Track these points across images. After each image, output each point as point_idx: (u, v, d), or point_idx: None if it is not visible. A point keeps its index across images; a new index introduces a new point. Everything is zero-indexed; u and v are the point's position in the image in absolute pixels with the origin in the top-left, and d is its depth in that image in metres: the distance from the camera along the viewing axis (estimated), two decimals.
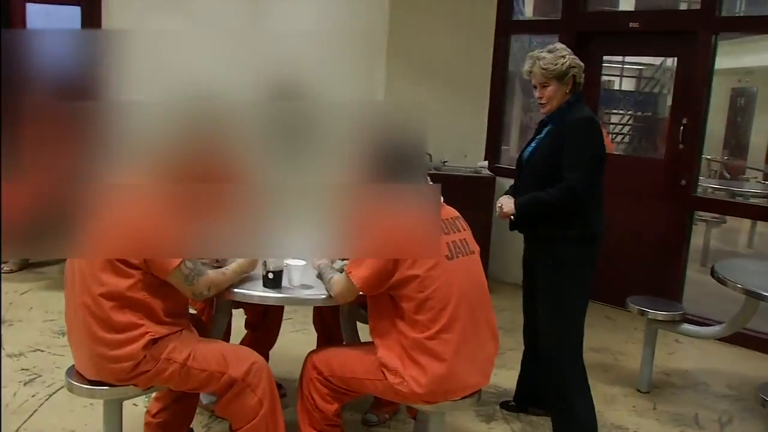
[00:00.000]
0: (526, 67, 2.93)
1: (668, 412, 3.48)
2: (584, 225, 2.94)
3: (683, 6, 6.80)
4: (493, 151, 5.81)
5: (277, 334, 3.29)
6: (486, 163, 5.63)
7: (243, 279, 2.43)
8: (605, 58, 5.46)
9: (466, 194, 3.90)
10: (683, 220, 4.85)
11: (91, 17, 5.45)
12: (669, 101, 5.20)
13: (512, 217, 2.92)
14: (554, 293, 2.94)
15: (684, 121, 4.80)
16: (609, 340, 4.51)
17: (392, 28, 5.50)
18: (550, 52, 2.91)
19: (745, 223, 7.33)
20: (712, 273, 3.32)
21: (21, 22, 5.45)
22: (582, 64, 2.94)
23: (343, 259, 2.48)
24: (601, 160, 2.86)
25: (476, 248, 2.45)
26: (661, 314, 3.48)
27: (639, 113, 8.16)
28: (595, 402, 2.96)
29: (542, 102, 2.95)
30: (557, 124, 2.89)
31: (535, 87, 2.94)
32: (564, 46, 2.96)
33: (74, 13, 5.56)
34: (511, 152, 6.14)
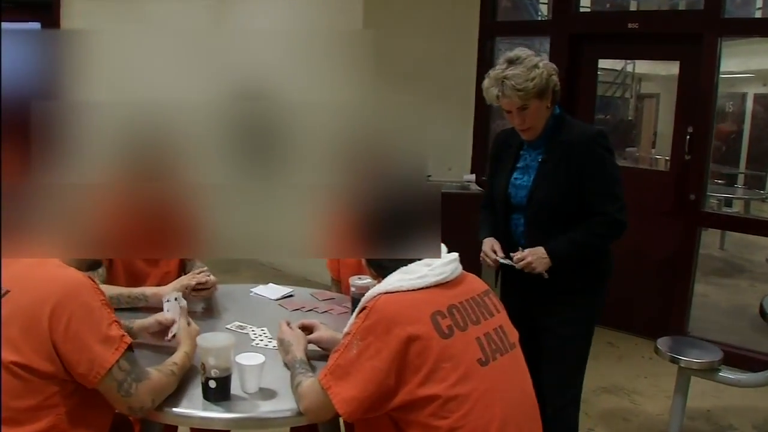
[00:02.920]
0: (494, 92, 2.31)
1: None
2: (607, 263, 2.53)
3: (683, 6, 6.43)
4: (480, 163, 5.34)
5: None
6: (473, 176, 5.18)
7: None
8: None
9: (452, 212, 3.41)
10: (691, 237, 4.47)
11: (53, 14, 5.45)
12: (631, 105, 4.82)
13: (546, 274, 2.37)
14: (577, 355, 2.51)
15: (690, 129, 4.41)
16: (619, 375, 4.10)
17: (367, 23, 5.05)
18: (515, 64, 2.29)
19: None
20: (762, 314, 2.91)
21: None
22: (553, 65, 2.38)
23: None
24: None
25: (515, 336, 1.77)
26: (696, 362, 3.06)
27: (605, 116, 7.86)
28: None
29: (524, 129, 2.40)
30: (554, 148, 2.39)
31: (509, 112, 2.36)
32: (525, 49, 2.37)
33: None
34: None
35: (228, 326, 2.29)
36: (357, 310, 1.67)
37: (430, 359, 1.54)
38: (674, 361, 3.10)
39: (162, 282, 2.54)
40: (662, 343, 3.23)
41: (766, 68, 8.52)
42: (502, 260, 2.46)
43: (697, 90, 4.33)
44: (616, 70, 8.32)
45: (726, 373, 3.09)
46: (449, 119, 5.23)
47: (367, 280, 2.32)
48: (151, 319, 2.04)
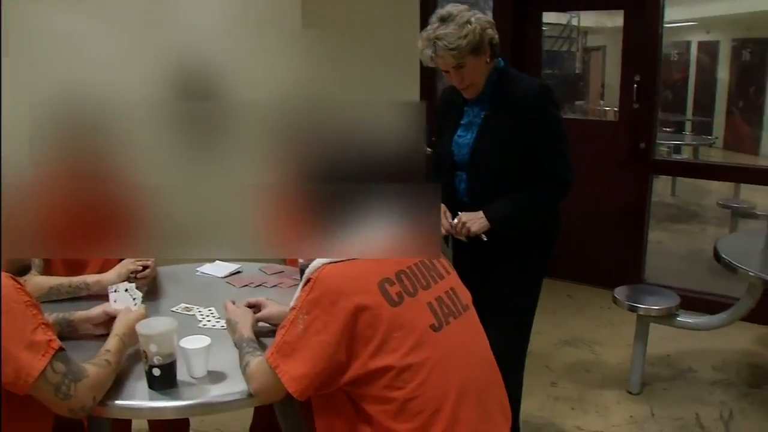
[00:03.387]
0: (427, 53, 2.21)
1: (668, 417, 3.09)
2: (555, 221, 2.50)
3: None
4: (429, 125, 5.26)
5: None
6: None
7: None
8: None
9: None
10: (643, 186, 4.48)
11: None
12: (578, 59, 4.78)
13: (484, 236, 2.30)
14: (521, 311, 2.49)
15: (637, 78, 4.39)
16: (579, 327, 4.12)
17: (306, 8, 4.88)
18: (446, 21, 2.19)
19: None
20: (717, 257, 2.91)
21: None
22: (489, 18, 2.29)
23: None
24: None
25: (468, 297, 1.71)
26: (654, 309, 3.07)
27: (552, 71, 7.85)
28: (590, 416, 2.55)
29: (464, 87, 2.32)
30: (498, 104, 2.31)
31: (446, 72, 2.27)
32: (457, 5, 2.26)
33: None
34: None
35: (173, 309, 2.19)
36: (302, 282, 1.59)
37: (381, 329, 1.47)
38: (632, 309, 3.10)
39: (103, 268, 2.42)
40: (620, 292, 3.23)
41: (709, 16, 8.60)
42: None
43: (643, 39, 4.30)
44: (561, 24, 8.32)
45: (684, 318, 3.11)
46: (396, 83, 5.13)
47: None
48: (97, 310, 1.93)
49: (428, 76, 5.21)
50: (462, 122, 2.41)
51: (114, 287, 1.97)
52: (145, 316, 1.86)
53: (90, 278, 2.29)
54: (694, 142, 7.51)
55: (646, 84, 4.34)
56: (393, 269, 1.55)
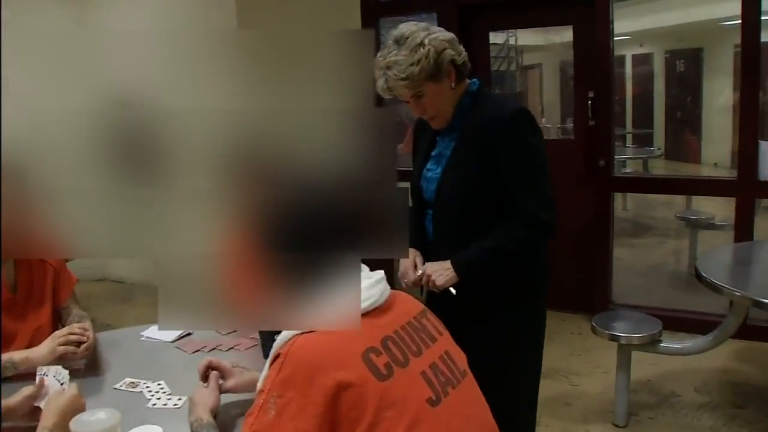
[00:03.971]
0: (380, 83, 1.95)
1: None
2: (540, 273, 2.17)
3: None
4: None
5: None
6: None
7: None
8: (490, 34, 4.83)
9: None
10: (605, 203, 4.36)
11: None
12: (517, 77, 4.67)
13: (453, 289, 2.01)
14: (520, 368, 2.17)
15: (591, 94, 4.29)
16: (552, 356, 3.91)
17: (241, 23, 4.69)
18: (398, 44, 1.94)
19: None
20: (699, 277, 2.76)
21: None
22: (450, 35, 2.00)
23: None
24: (546, 158, 2.04)
25: (463, 359, 1.47)
26: (636, 337, 2.90)
27: (496, 91, 7.80)
28: None
29: (429, 117, 2.06)
30: (467, 132, 2.02)
31: (407, 101, 2.01)
32: (412, 23, 1.99)
33: None
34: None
35: (117, 386, 1.90)
36: (269, 358, 1.33)
37: (369, 410, 1.22)
38: (614, 339, 2.93)
39: (34, 341, 2.11)
40: (598, 320, 3.06)
41: (641, 29, 8.72)
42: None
43: (594, 54, 4.20)
44: (499, 44, 8.33)
45: (668, 344, 2.95)
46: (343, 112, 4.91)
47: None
48: (18, 398, 1.62)
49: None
50: (432, 153, 2.15)
51: (43, 370, 1.68)
52: (79, 398, 1.58)
53: (16, 356, 1.98)
54: (643, 155, 7.51)
55: (601, 100, 4.24)
56: (378, 335, 1.31)
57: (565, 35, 4.59)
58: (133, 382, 1.90)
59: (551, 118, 7.45)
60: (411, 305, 1.45)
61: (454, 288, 2.01)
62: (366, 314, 1.32)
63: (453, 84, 2.01)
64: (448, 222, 2.09)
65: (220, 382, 1.66)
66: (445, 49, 1.95)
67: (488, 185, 1.99)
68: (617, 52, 7.87)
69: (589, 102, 4.28)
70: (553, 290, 3.86)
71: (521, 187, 1.97)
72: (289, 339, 1.28)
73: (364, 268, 1.41)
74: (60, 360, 1.99)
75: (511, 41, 8.02)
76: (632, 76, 10.32)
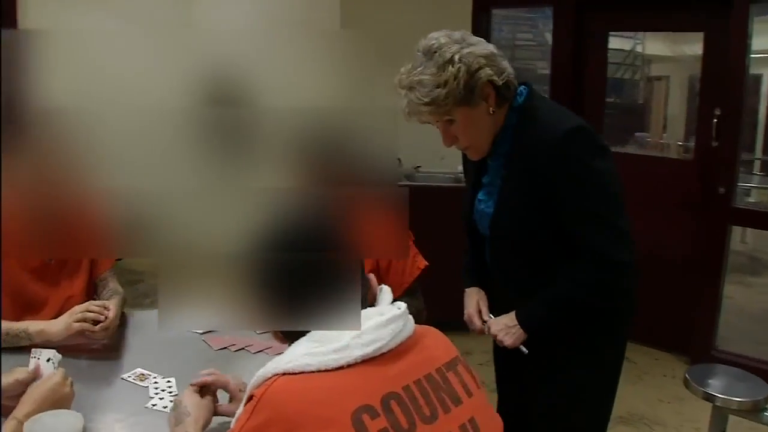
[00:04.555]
0: (401, 104, 1.65)
1: None
2: (627, 297, 1.81)
3: None
4: None
5: None
6: None
7: None
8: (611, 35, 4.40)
9: (443, 207, 2.99)
10: (720, 236, 3.85)
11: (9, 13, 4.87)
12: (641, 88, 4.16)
13: (524, 348, 1.75)
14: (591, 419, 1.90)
15: (717, 112, 3.80)
16: (637, 399, 3.51)
17: (345, 10, 4.54)
18: (426, 58, 1.60)
19: None
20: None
21: None
22: (489, 50, 1.63)
23: None
24: (620, 182, 1.68)
25: (496, 418, 1.20)
26: (736, 401, 2.47)
27: (614, 100, 7.27)
28: None
29: (462, 148, 1.74)
30: (517, 158, 1.69)
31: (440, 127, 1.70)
32: (444, 33, 1.64)
33: None
34: None
35: (124, 376, 1.74)
36: (245, 397, 1.08)
37: None
38: (709, 398, 2.50)
39: (63, 310, 1.99)
40: (694, 373, 2.63)
41: None
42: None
43: (725, 68, 3.70)
44: (624, 51, 7.78)
45: None
46: None
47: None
48: (9, 380, 1.48)
49: None
50: (484, 181, 1.82)
51: (37, 353, 1.52)
52: (63, 387, 1.42)
53: (33, 326, 1.89)
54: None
55: (728, 119, 3.74)
56: (379, 390, 1.03)
57: (696, 47, 4.11)
58: (143, 374, 1.74)
59: (673, 134, 6.91)
60: (438, 350, 1.16)
61: (524, 346, 1.75)
62: (369, 361, 1.04)
63: (492, 109, 1.65)
64: (506, 265, 1.81)
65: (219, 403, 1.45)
66: (480, 68, 1.59)
67: (549, 223, 1.66)
68: (753, 71, 7.09)
69: (714, 121, 3.79)
70: (649, 324, 3.44)
71: (586, 223, 1.63)
72: (268, 378, 1.03)
73: (387, 295, 1.15)
74: (76, 337, 1.86)
75: (638, 49, 7.51)
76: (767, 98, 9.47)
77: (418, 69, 1.59)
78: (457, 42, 1.60)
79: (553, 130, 1.61)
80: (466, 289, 1.95)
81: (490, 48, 1.64)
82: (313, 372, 1.00)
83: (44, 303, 2.07)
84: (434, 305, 2.11)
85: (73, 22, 4.66)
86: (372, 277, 1.18)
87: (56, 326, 1.86)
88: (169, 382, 1.70)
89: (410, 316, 1.14)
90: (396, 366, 1.06)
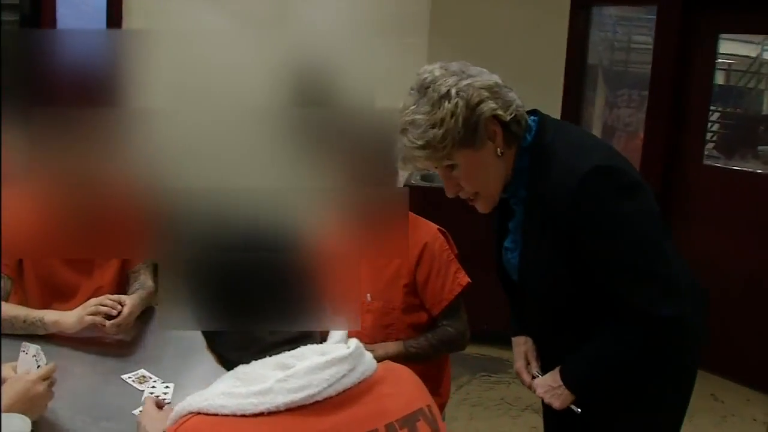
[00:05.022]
0: (398, 150, 1.43)
1: None
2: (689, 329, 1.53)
3: None
4: None
5: None
6: None
7: None
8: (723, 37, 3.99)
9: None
10: None
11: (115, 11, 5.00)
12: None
13: (575, 407, 1.53)
14: None
15: None
16: None
17: (436, 5, 4.41)
18: (420, 95, 1.39)
19: None
20: None
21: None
22: (493, 80, 1.41)
23: None
24: (657, 222, 1.44)
25: None
26: None
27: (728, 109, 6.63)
28: None
29: (467, 198, 1.50)
30: (534, 206, 1.46)
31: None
32: (438, 65, 1.42)
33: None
34: None
35: (125, 376, 1.70)
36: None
37: None
38: None
39: (97, 294, 1.98)
40: None
41: None
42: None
43: None
44: (750, 57, 7.15)
45: None
46: (532, 104, 4.35)
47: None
48: None
49: (572, 103, 4.44)
50: (510, 226, 1.58)
51: (26, 347, 1.49)
52: (38, 385, 1.43)
53: (49, 316, 1.89)
54: None
55: None
56: None
57: None
58: (144, 377, 1.70)
59: None
60: (397, 401, 0.97)
61: (575, 406, 1.54)
62: (297, 410, 0.89)
63: (501, 150, 1.42)
64: (541, 321, 1.61)
65: None
66: (482, 102, 1.37)
67: (580, 278, 1.43)
68: None
69: None
70: (743, 358, 3.09)
71: (622, 278, 1.40)
72: (183, 416, 0.91)
73: (334, 335, 0.99)
74: (93, 330, 1.84)
75: (765, 56, 6.90)
76: None
77: (411, 108, 1.38)
78: (454, 74, 1.38)
79: (568, 176, 1.37)
80: (513, 338, 1.75)
81: (494, 78, 1.41)
82: (227, 415, 0.87)
83: (75, 291, 2.07)
84: (486, 315, 1.90)
85: (173, 20, 4.82)
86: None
87: (70, 318, 1.85)
88: (167, 388, 1.64)
89: (368, 357, 0.98)
90: (331, 419, 0.90)
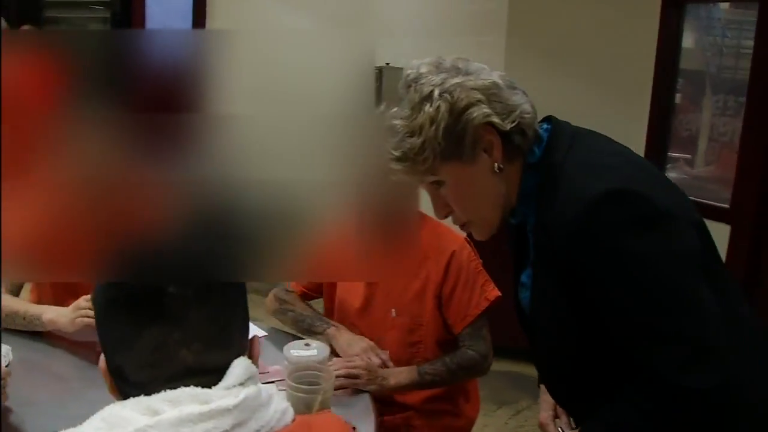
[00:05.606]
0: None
1: None
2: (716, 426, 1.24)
3: None
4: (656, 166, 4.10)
5: None
6: None
7: None
8: None
9: None
10: None
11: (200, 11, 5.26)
12: None
13: None
14: None
15: None
16: None
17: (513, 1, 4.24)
18: (403, 95, 1.21)
19: None
20: None
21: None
22: (491, 80, 1.18)
23: None
24: (689, 264, 1.13)
25: None
26: None
27: None
28: None
29: (461, 224, 1.29)
30: (540, 238, 1.23)
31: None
32: (426, 62, 1.21)
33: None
34: (687, 167, 4.31)
35: None
36: None
37: None
38: None
39: None
40: None
41: None
42: None
43: None
44: None
45: None
46: (617, 111, 4.04)
47: (311, 350, 1.73)
48: None
49: (660, 110, 4.11)
50: (526, 259, 1.34)
51: None
52: None
53: (47, 314, 1.85)
54: None
55: None
56: None
57: None
58: None
59: None
60: None
61: None
62: None
63: (498, 165, 1.20)
64: (551, 368, 1.38)
65: None
66: (470, 105, 1.15)
67: (592, 328, 1.19)
68: None
69: None
70: None
71: (635, 334, 1.14)
72: None
73: (231, 374, 0.80)
74: (92, 334, 1.79)
75: None
76: None
77: (393, 110, 1.19)
78: (444, 71, 1.18)
79: (572, 202, 1.13)
80: (541, 385, 1.54)
81: (493, 78, 1.19)
82: None
83: (88, 287, 2.04)
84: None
85: (257, 19, 4.93)
86: (256, 340, 0.88)
87: (64, 318, 1.80)
88: None
89: (277, 408, 0.80)
90: None
